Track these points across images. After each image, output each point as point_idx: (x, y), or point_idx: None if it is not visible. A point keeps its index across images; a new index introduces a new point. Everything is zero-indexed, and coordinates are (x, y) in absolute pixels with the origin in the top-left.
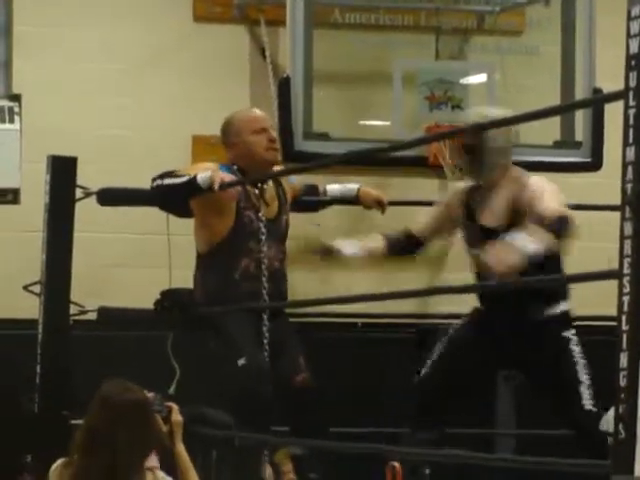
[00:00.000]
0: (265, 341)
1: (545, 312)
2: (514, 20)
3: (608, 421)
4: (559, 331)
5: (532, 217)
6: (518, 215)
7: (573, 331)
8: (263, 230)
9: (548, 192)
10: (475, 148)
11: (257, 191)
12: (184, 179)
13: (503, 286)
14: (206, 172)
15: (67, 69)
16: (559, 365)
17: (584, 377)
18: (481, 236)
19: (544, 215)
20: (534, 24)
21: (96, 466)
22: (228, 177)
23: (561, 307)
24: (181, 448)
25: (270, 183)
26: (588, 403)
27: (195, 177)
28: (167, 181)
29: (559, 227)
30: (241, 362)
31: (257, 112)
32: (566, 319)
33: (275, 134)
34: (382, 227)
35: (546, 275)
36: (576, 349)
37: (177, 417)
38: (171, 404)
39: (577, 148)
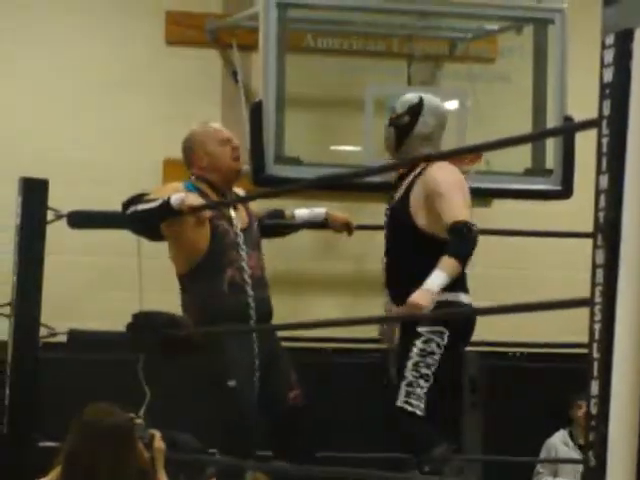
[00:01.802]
0: (257, 362)
1: None
2: (486, 47)
3: (549, 445)
4: (415, 323)
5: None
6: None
7: (432, 328)
8: (240, 239)
9: (450, 189)
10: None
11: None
12: (158, 203)
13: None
14: (178, 195)
15: (38, 90)
16: (400, 358)
17: (409, 374)
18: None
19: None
20: (506, 51)
21: None
22: (197, 201)
23: (447, 297)
24: (162, 475)
25: (234, 196)
26: (402, 400)
27: (169, 200)
28: (141, 207)
29: (460, 250)
30: (231, 384)
31: (216, 124)
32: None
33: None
34: (352, 251)
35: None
36: (420, 345)
37: (159, 444)
38: (153, 431)
39: (547, 176)
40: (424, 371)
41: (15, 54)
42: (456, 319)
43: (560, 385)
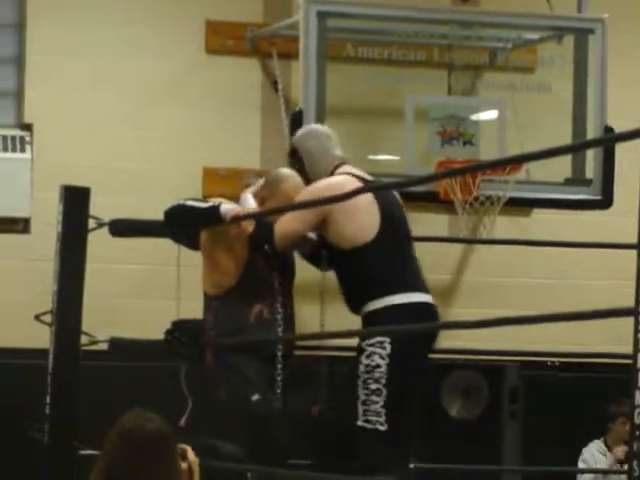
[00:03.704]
0: (278, 390)
1: (361, 310)
2: (526, 57)
3: (587, 455)
4: (361, 339)
5: None
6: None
7: (371, 340)
8: (275, 277)
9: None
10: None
11: None
12: (208, 204)
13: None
14: (231, 205)
15: (79, 99)
16: (347, 377)
17: (361, 392)
18: None
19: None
20: (546, 61)
21: None
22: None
23: (373, 305)
24: None
25: None
26: (361, 419)
27: (219, 205)
28: (190, 202)
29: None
30: (255, 397)
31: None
32: (375, 319)
33: None
34: None
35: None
36: (364, 361)
37: (193, 457)
38: (183, 445)
39: (587, 186)
40: (374, 386)
41: (55, 64)
42: (399, 324)
43: (600, 395)
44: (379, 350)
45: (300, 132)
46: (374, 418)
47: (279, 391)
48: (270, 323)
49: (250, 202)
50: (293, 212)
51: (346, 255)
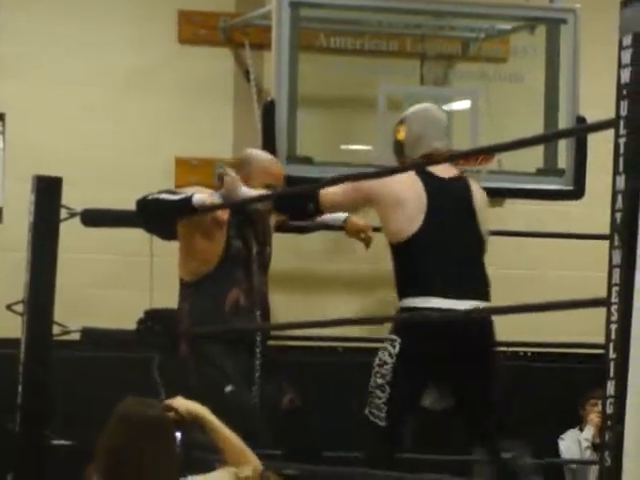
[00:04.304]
0: (254, 380)
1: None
2: (499, 47)
3: (568, 444)
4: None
5: None
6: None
7: (387, 336)
8: (253, 261)
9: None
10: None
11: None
12: (179, 197)
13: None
14: (203, 195)
15: (52, 89)
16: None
17: (371, 383)
18: None
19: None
20: (519, 51)
21: None
22: (218, 202)
23: (404, 303)
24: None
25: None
26: (367, 409)
27: (191, 197)
28: (163, 196)
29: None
30: (228, 389)
31: (277, 167)
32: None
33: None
34: (366, 253)
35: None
36: (379, 354)
37: (181, 403)
38: (165, 403)
39: (560, 176)
40: (379, 381)
41: (28, 55)
42: (413, 326)
43: (574, 385)
44: (390, 348)
45: (413, 108)
46: (376, 411)
47: (255, 381)
48: (246, 311)
49: (244, 190)
50: (341, 185)
51: (393, 248)
